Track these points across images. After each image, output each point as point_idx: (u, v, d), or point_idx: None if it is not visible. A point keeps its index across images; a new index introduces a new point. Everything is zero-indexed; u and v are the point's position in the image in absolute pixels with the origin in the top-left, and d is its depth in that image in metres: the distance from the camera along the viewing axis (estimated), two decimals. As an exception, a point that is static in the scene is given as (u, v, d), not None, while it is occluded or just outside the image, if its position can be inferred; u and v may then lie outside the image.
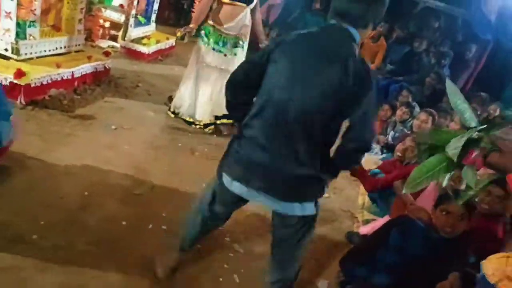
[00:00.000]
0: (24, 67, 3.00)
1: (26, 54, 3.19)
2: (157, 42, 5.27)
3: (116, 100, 3.69)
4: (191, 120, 3.61)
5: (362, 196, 3.28)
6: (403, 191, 1.72)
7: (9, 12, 3.00)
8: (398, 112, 3.97)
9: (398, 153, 3.18)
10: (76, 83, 3.52)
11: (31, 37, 3.20)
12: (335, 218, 2.98)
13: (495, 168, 1.64)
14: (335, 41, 1.51)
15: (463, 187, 2.51)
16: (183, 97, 3.62)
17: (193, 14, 5.68)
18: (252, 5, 3.40)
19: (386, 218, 2.70)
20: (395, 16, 6.42)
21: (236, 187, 1.65)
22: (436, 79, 5.54)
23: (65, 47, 3.62)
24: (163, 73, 4.85)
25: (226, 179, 1.67)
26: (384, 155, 3.96)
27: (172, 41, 5.66)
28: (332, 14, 1.56)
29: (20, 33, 3.11)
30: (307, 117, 1.48)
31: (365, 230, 2.81)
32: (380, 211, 3.07)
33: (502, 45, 6.13)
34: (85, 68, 3.61)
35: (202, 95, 3.55)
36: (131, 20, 4.95)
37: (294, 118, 1.48)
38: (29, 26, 3.15)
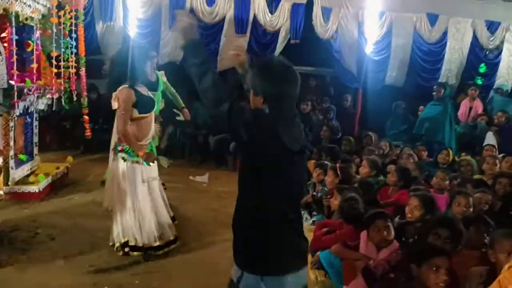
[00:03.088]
0: None
1: None
2: (47, 175, 4.80)
3: (14, 260, 3.13)
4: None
5: (312, 271, 3.19)
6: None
7: None
8: (314, 174, 4.14)
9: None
10: (-42, 258, 2.92)
11: None
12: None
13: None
14: None
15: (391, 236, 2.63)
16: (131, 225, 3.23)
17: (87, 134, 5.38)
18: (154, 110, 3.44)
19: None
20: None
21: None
22: (329, 130, 6.02)
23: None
24: (62, 207, 4.35)
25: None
26: (314, 218, 3.99)
27: (63, 169, 5.23)
28: None
29: None
30: None
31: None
32: (332, 278, 3.00)
33: (368, 90, 7.05)
34: None
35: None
36: (11, 162, 4.45)
37: None
38: None
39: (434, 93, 6.14)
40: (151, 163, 3.19)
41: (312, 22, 6.69)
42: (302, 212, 4.07)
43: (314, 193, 4.05)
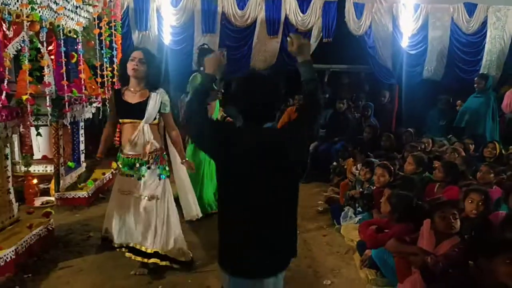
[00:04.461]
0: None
1: (-44, 248, 2.77)
2: (95, 181, 4.98)
3: (71, 262, 3.27)
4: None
5: (362, 270, 3.15)
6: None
7: None
8: (361, 173, 4.10)
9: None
10: (21, 260, 3.08)
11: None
12: (349, 306, 2.78)
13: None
14: None
15: (457, 225, 2.54)
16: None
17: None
18: (149, 121, 2.96)
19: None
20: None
21: None
22: (371, 131, 5.86)
23: (-2, 224, 3.22)
24: (110, 211, 4.51)
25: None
26: (360, 217, 3.93)
27: (108, 174, 5.41)
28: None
29: None
30: None
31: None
32: (386, 275, 2.94)
33: (405, 85, 6.87)
34: (27, 240, 3.20)
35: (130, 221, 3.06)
36: (61, 169, 4.66)
37: None
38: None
39: (475, 85, 5.92)
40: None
41: (345, 19, 6.60)
42: (347, 208, 4.07)
43: (361, 189, 4.01)
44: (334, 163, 5.57)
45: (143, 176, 2.98)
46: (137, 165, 2.97)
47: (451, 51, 6.69)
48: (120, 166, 3.04)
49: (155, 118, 3.00)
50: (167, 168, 3.09)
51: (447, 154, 4.76)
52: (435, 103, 6.48)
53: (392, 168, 3.81)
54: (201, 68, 4.37)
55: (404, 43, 6.63)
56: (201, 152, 4.30)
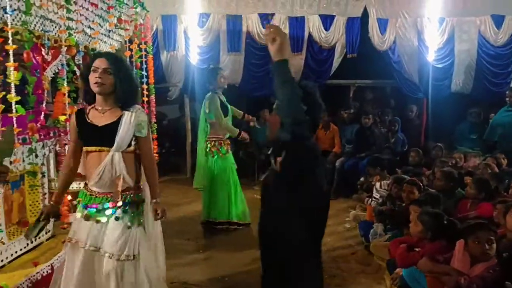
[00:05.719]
0: (-1, 280, 2.68)
1: (-4, 263, 2.89)
2: (124, 198, 5.11)
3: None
4: None
5: (393, 289, 3.08)
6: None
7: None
8: (393, 190, 4.06)
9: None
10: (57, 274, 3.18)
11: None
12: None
13: None
14: None
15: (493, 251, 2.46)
16: None
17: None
18: (120, 148, 2.29)
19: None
20: (336, 102, 6.97)
21: None
22: (417, 155, 5.49)
23: (35, 239, 3.35)
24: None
25: None
26: (389, 234, 3.87)
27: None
28: None
29: (-14, 245, 2.85)
30: None
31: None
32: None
33: (433, 99, 6.77)
34: (62, 255, 3.31)
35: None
36: (93, 186, 4.81)
37: None
38: (-5, 232, 2.91)
39: (507, 99, 5.77)
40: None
41: (369, 34, 6.62)
42: (376, 225, 4.01)
43: (392, 205, 3.96)
44: (362, 179, 5.51)
45: (107, 223, 2.30)
46: (104, 206, 2.29)
47: (480, 64, 6.56)
48: (82, 206, 2.37)
49: (129, 145, 2.32)
50: (140, 216, 2.38)
51: (479, 170, 4.63)
52: (465, 117, 6.35)
53: (421, 184, 3.75)
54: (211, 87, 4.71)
55: (430, 57, 6.57)
56: (227, 159, 4.64)
